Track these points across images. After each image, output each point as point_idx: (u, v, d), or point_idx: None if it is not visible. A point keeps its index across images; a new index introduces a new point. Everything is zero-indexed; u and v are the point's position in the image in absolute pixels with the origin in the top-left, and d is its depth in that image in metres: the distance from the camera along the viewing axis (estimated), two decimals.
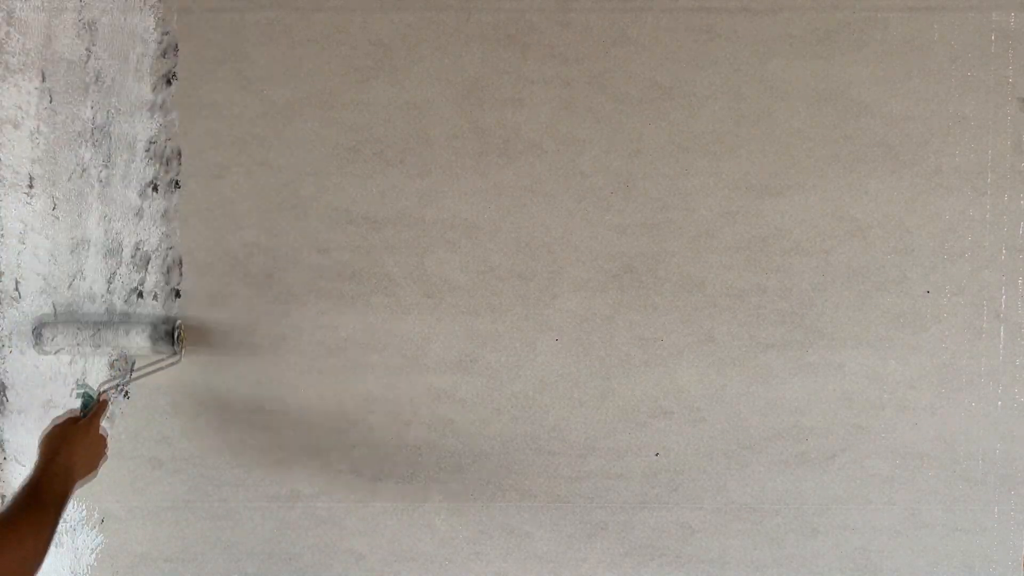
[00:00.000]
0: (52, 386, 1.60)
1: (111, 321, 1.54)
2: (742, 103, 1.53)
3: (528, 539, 1.61)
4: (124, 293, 1.58)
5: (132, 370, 1.52)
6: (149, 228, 1.57)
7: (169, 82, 1.55)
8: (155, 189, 1.57)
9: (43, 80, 1.56)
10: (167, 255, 1.57)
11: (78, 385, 1.51)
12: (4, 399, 1.60)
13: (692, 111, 1.53)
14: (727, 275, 1.55)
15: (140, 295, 1.58)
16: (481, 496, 1.60)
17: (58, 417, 1.38)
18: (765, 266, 1.55)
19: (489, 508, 1.60)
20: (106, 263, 1.58)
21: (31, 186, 1.57)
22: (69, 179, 1.57)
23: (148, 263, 1.58)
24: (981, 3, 1.51)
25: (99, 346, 1.51)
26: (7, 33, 1.55)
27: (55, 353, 1.52)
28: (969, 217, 1.54)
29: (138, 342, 1.51)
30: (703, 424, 1.58)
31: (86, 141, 1.56)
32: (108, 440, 1.43)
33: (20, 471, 1.61)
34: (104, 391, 1.46)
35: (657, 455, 1.59)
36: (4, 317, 1.59)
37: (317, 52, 1.54)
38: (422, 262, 1.56)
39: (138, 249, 1.58)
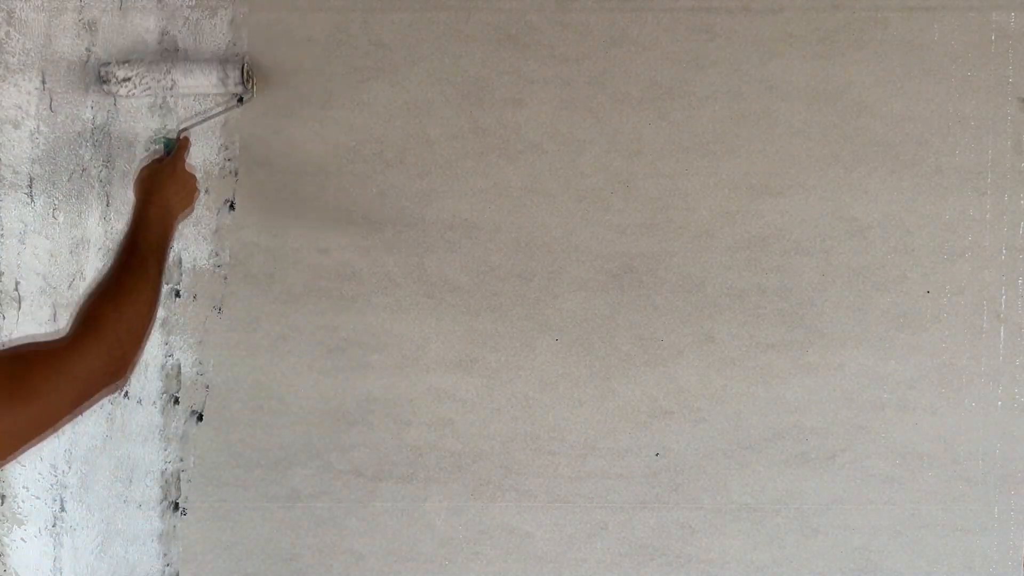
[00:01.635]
0: None
1: (176, 59, 1.50)
2: (742, 103, 1.53)
3: (528, 539, 1.61)
4: None
5: (245, 75, 1.49)
6: None
7: None
8: None
9: (43, 80, 1.56)
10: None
11: (155, 133, 1.48)
12: None
13: (692, 111, 1.53)
14: (727, 275, 1.55)
15: None
16: (481, 496, 1.60)
17: (142, 160, 1.38)
18: (765, 266, 1.55)
19: (489, 508, 1.60)
20: (105, 263, 1.58)
21: (31, 186, 1.58)
22: (69, 179, 1.57)
23: None
24: (981, 3, 1.51)
25: (168, 86, 1.48)
26: (7, 33, 1.55)
27: (123, 91, 1.49)
28: (969, 217, 1.54)
29: (207, 80, 1.48)
30: (703, 424, 1.58)
31: (86, 141, 1.56)
32: (198, 176, 1.43)
33: (20, 470, 1.61)
34: (184, 130, 1.46)
35: (657, 455, 1.59)
36: (4, 317, 1.59)
37: (317, 52, 1.54)
38: (422, 262, 1.56)
39: None
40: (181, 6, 1.54)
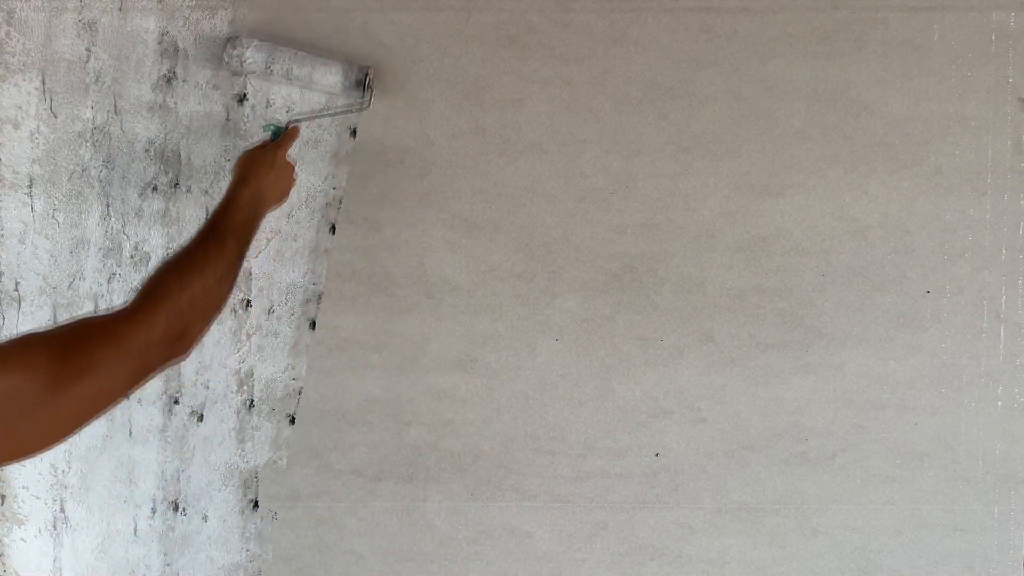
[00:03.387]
0: None
1: (304, 54, 1.49)
2: (742, 103, 1.53)
3: (528, 539, 1.61)
4: (123, 293, 1.58)
5: (366, 85, 1.48)
6: (150, 228, 1.57)
7: (169, 81, 1.55)
8: (155, 189, 1.57)
9: (43, 80, 1.56)
10: (166, 255, 1.57)
11: (266, 120, 1.48)
12: None
13: (692, 111, 1.53)
14: (727, 275, 1.55)
15: None
16: (481, 496, 1.60)
17: (248, 146, 1.37)
18: (765, 266, 1.55)
19: (489, 508, 1.60)
20: (105, 263, 1.58)
21: (31, 186, 1.58)
22: (69, 179, 1.57)
23: (148, 263, 1.58)
24: (981, 3, 1.51)
25: (288, 77, 1.48)
26: (7, 33, 1.55)
27: (243, 70, 1.49)
28: (969, 217, 1.54)
29: (329, 80, 1.49)
30: (703, 424, 1.58)
31: (86, 141, 1.57)
32: (296, 168, 1.43)
33: (20, 471, 1.61)
34: (295, 121, 1.47)
35: (657, 455, 1.59)
36: (4, 317, 1.59)
37: (318, 52, 1.54)
38: (422, 262, 1.56)
39: (138, 249, 1.58)
40: (181, 6, 1.54)
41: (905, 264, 1.55)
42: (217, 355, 1.58)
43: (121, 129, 1.56)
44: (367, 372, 1.58)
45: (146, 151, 1.56)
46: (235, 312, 1.58)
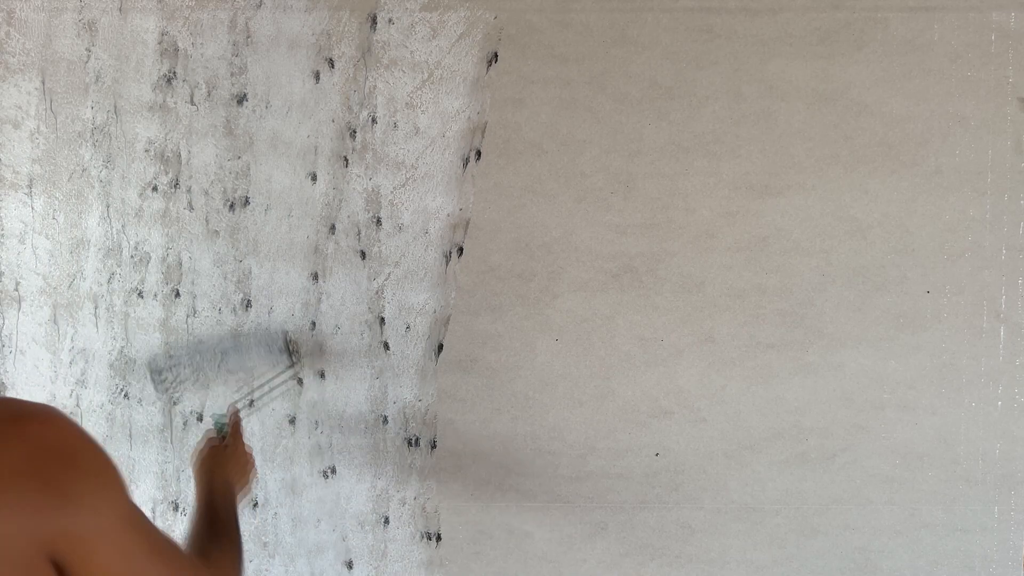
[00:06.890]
0: (52, 386, 1.60)
1: (223, 347, 1.55)
2: (742, 103, 1.53)
3: (528, 539, 1.61)
4: (123, 293, 1.58)
5: (290, 349, 1.53)
6: (150, 228, 1.57)
7: (169, 81, 1.55)
8: (155, 189, 1.57)
9: (43, 80, 1.56)
10: (167, 255, 1.57)
11: (212, 416, 1.48)
12: None
13: (692, 111, 1.53)
14: (727, 275, 1.55)
15: (140, 295, 1.58)
16: (481, 496, 1.60)
17: (199, 444, 1.35)
18: (765, 266, 1.55)
19: (489, 508, 1.60)
20: (105, 263, 1.58)
21: (31, 186, 1.57)
22: (69, 179, 1.57)
23: (148, 263, 1.58)
24: (981, 3, 1.51)
25: (220, 371, 1.54)
26: (7, 33, 1.55)
27: (178, 391, 1.55)
28: (969, 217, 1.54)
29: (254, 360, 1.54)
30: (703, 424, 1.58)
31: (86, 141, 1.56)
32: (253, 456, 1.41)
33: None
34: (236, 408, 1.45)
35: (657, 455, 1.59)
36: (4, 317, 1.59)
37: (317, 52, 1.54)
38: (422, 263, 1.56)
39: (137, 249, 1.58)
40: (181, 6, 1.54)
41: (905, 264, 1.55)
42: None
43: (121, 129, 1.56)
44: (367, 372, 1.58)
45: (146, 151, 1.56)
46: (235, 312, 1.58)
